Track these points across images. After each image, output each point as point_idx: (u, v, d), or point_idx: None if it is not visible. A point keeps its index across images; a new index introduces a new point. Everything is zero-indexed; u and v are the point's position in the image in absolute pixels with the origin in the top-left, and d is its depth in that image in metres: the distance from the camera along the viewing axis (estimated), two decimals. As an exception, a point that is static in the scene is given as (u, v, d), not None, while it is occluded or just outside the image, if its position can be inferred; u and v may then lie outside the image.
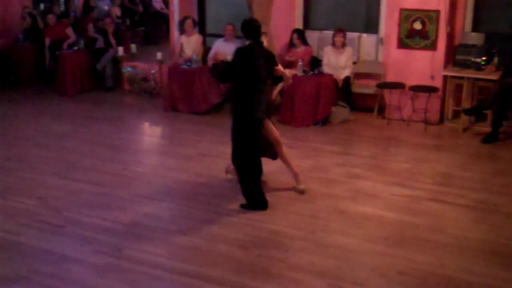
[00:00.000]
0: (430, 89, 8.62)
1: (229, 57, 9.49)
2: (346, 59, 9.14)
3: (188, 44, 9.97)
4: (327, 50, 9.24)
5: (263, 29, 6.01)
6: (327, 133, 8.44)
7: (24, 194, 6.28)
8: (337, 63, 9.12)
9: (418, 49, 8.77)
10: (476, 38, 8.65)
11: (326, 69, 9.08)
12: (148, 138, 8.98)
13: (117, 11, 13.54)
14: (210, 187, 6.44)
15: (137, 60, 11.06)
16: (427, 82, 8.73)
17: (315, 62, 9.23)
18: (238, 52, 5.79)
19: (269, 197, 6.02)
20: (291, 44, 9.40)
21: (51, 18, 11.57)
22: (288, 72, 6.13)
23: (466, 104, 8.47)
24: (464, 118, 8.47)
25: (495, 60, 8.43)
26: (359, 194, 6.24)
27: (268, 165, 6.41)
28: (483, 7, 8.98)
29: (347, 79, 9.07)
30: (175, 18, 10.90)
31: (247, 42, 5.85)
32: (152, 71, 10.66)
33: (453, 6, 8.70)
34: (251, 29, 5.76)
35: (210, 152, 7.57)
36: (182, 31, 10.21)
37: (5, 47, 11.69)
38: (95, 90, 11.15)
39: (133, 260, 4.86)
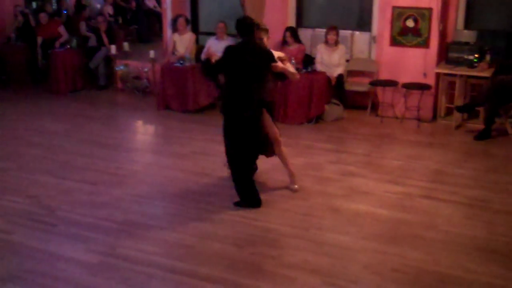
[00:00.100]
0: (422, 87, 8.65)
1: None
2: (339, 57, 9.15)
3: (181, 42, 9.97)
4: (320, 48, 9.25)
5: (264, 26, 5.98)
6: (320, 131, 8.45)
7: (17, 193, 6.25)
8: (330, 61, 9.13)
9: (411, 46, 8.79)
10: (468, 36, 8.68)
11: (319, 67, 9.09)
12: (141, 136, 8.97)
13: (109, 10, 13.52)
14: (204, 185, 6.44)
15: (129, 59, 11.06)
16: (419, 79, 8.76)
17: (308, 60, 9.24)
18: (226, 49, 5.81)
19: (263, 195, 6.02)
20: (284, 42, 9.40)
21: (43, 17, 11.55)
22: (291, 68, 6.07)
23: (458, 101, 8.50)
24: (456, 115, 8.50)
25: (488, 57, 8.46)
26: (352, 192, 6.24)
27: (263, 163, 6.42)
28: (475, 4, 9.01)
29: (340, 77, 9.08)
30: (167, 16, 10.90)
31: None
32: (145, 69, 10.65)
33: (445, 4, 8.73)
34: (243, 26, 5.74)
35: (204, 150, 7.56)
36: (174, 29, 10.21)
37: (-3, 46, 11.67)
38: (87, 89, 11.14)
39: (126, 259, 4.85)
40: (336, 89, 9.07)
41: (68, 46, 11.27)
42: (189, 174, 6.76)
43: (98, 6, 13.74)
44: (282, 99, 8.72)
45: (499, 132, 8.14)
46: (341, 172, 6.81)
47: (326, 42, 9.19)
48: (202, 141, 7.99)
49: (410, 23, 8.72)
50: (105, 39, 11.15)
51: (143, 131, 9.26)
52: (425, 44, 8.70)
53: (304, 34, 9.72)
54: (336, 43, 9.16)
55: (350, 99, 9.36)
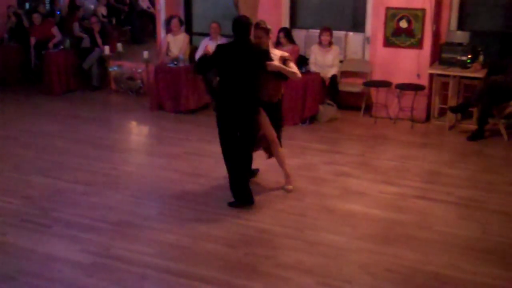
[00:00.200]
0: (416, 87, 8.67)
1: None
2: (333, 57, 9.17)
3: (175, 43, 9.96)
4: (313, 49, 9.26)
5: (264, 25, 5.96)
6: (314, 131, 8.46)
7: (11, 193, 6.23)
8: (324, 61, 9.14)
9: (404, 47, 8.81)
10: (461, 37, 8.70)
11: (313, 67, 9.10)
12: (135, 137, 8.95)
13: (103, 10, 13.49)
14: (198, 185, 6.43)
15: (123, 59, 11.03)
16: (413, 80, 8.78)
17: (302, 61, 9.23)
18: (218, 47, 5.85)
19: (257, 195, 6.03)
20: (277, 43, 9.38)
21: (36, 17, 11.51)
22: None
23: (452, 102, 8.52)
24: (450, 116, 8.52)
25: (481, 58, 8.49)
26: (346, 192, 6.25)
27: (256, 164, 6.42)
28: (468, 5, 9.04)
29: (334, 78, 9.09)
30: (161, 17, 10.89)
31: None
32: (139, 70, 10.63)
33: (438, 5, 8.76)
34: (237, 25, 5.73)
35: (197, 151, 7.55)
36: (168, 30, 10.20)
37: (-10, 47, 11.62)
38: (81, 90, 11.11)
39: (120, 259, 4.84)
40: (330, 89, 9.08)
41: (62, 47, 11.24)
42: (182, 175, 6.75)
43: (92, 6, 13.69)
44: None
45: (492, 133, 8.17)
46: (335, 172, 6.82)
47: (320, 43, 9.20)
48: (196, 141, 7.98)
49: (403, 24, 8.74)
50: (99, 40, 11.13)
51: (136, 131, 9.24)
52: (419, 45, 8.73)
53: (298, 35, 9.73)
54: (330, 44, 9.17)
55: (344, 99, 9.37)
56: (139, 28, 14.42)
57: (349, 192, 6.25)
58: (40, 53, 11.13)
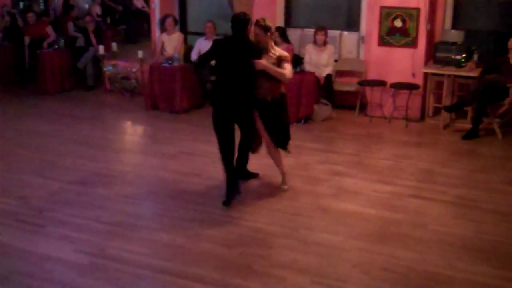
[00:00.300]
0: (411, 87, 8.68)
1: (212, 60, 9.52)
2: (328, 57, 9.17)
3: (169, 43, 9.95)
4: (308, 48, 9.26)
5: (263, 23, 5.96)
6: (309, 131, 8.46)
7: (5, 193, 6.21)
8: (319, 61, 9.14)
9: (399, 46, 8.82)
10: (456, 36, 8.73)
11: (307, 67, 9.10)
12: (130, 137, 8.94)
13: (97, 10, 13.45)
14: (193, 185, 6.43)
15: (118, 59, 11.01)
16: (408, 79, 8.79)
17: (296, 60, 9.23)
18: (214, 42, 6.01)
19: (252, 195, 6.06)
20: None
21: (31, 17, 11.48)
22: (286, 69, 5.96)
23: (446, 101, 8.54)
24: (444, 115, 8.54)
25: (475, 57, 8.51)
26: (341, 191, 6.26)
27: (251, 164, 6.42)
28: (462, 4, 9.07)
29: (328, 77, 9.10)
30: (156, 16, 10.87)
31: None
32: (133, 70, 10.61)
33: (433, 4, 8.77)
34: (235, 21, 5.82)
35: (192, 151, 7.55)
36: (163, 29, 10.19)
37: (-16, 47, 11.58)
38: (75, 89, 11.09)
39: (115, 259, 4.83)
40: (325, 89, 9.09)
41: (56, 46, 11.20)
42: (177, 175, 6.74)
43: (86, 6, 13.66)
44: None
45: (486, 132, 8.19)
46: (330, 172, 6.83)
47: (315, 42, 9.20)
48: (191, 141, 7.98)
49: (398, 23, 8.75)
50: (93, 39, 11.11)
51: (131, 131, 9.23)
52: (413, 44, 8.74)
53: (293, 34, 9.73)
54: (325, 43, 9.18)
55: (339, 99, 9.37)
56: (133, 28, 14.40)
57: (344, 192, 6.26)
58: (34, 52, 11.10)
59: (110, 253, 4.94)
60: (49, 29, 11.52)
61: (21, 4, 13.85)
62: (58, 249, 5.01)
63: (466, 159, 7.31)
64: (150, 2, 11.26)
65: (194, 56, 9.75)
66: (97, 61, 11.02)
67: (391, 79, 8.87)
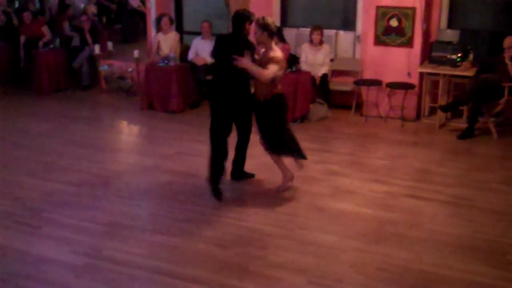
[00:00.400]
0: (406, 86, 8.69)
1: (208, 59, 9.54)
2: (324, 56, 9.17)
3: (165, 42, 9.94)
4: (304, 48, 9.26)
5: (262, 21, 5.95)
6: (305, 130, 8.45)
7: (1, 195, 6.20)
8: (315, 60, 9.14)
9: (395, 46, 8.82)
10: (451, 35, 8.74)
11: (303, 66, 9.10)
12: (126, 137, 8.93)
13: (93, 9, 13.41)
14: (189, 185, 6.42)
15: (114, 58, 10.99)
16: (403, 79, 8.80)
17: (292, 60, 9.24)
18: (216, 38, 6.32)
19: (248, 195, 6.08)
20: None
21: (27, 16, 11.44)
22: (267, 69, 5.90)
23: (442, 100, 8.55)
24: (440, 114, 8.55)
25: (471, 56, 8.52)
26: (337, 191, 6.26)
27: (247, 164, 6.43)
28: (458, 4, 9.08)
29: (324, 77, 9.10)
30: (152, 15, 10.86)
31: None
32: (129, 69, 10.59)
33: (428, 4, 8.77)
34: (235, 17, 5.98)
35: (188, 151, 7.54)
36: (159, 28, 10.18)
37: (-21, 46, 11.54)
38: (71, 89, 11.06)
39: (111, 260, 4.83)
40: (321, 88, 9.09)
41: (52, 46, 11.18)
42: (173, 175, 6.74)
43: (82, 5, 13.61)
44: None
45: (482, 131, 8.20)
46: (325, 171, 6.83)
47: (311, 41, 9.20)
48: (187, 141, 7.97)
49: (393, 23, 8.75)
50: (89, 39, 11.08)
51: (127, 131, 9.21)
52: (409, 43, 8.75)
53: (289, 33, 9.72)
54: (321, 42, 9.18)
55: (335, 98, 9.37)
56: (129, 27, 14.36)
57: (340, 191, 6.26)
58: (30, 52, 11.07)
59: (106, 254, 4.93)
60: (45, 29, 11.49)
61: (17, 3, 13.81)
62: (54, 250, 5.01)
63: (461, 158, 7.32)
64: (146, 1, 11.24)
65: (191, 55, 9.74)
66: (92, 60, 11.00)
67: (387, 78, 8.88)
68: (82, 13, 12.12)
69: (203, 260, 4.83)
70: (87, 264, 4.78)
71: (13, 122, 9.03)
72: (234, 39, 6.00)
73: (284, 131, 6.09)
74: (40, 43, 11.17)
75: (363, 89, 9.15)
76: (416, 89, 8.78)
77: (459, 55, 8.47)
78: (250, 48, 5.92)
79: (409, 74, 8.76)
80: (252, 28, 6.03)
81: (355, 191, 6.28)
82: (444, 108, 8.42)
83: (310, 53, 9.18)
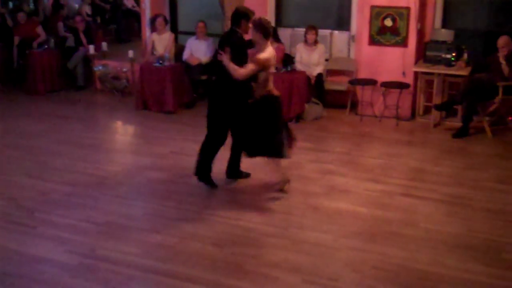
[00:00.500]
0: (401, 85, 8.71)
1: (203, 59, 9.53)
2: (319, 56, 9.18)
3: (160, 42, 9.92)
4: (299, 47, 9.26)
5: (257, 20, 5.96)
6: (300, 130, 8.42)
7: (-5, 195, 6.19)
8: (310, 60, 9.15)
9: (389, 45, 8.84)
10: (446, 35, 8.76)
11: (298, 66, 9.11)
12: (120, 137, 8.91)
13: (87, 9, 13.39)
14: (183, 185, 6.42)
15: (108, 59, 10.97)
16: (398, 78, 8.81)
17: (287, 60, 9.25)
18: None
19: (244, 194, 6.07)
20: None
21: (21, 16, 11.41)
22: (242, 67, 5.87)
23: (437, 99, 8.57)
24: (435, 113, 8.57)
25: (465, 56, 8.54)
26: (332, 190, 6.27)
27: (243, 163, 6.43)
28: (452, 4, 9.10)
29: (319, 76, 9.11)
30: (146, 16, 10.84)
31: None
32: (124, 70, 10.58)
33: (423, 3, 8.79)
34: (233, 15, 6.02)
35: (183, 150, 7.53)
36: (153, 29, 10.16)
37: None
38: (65, 89, 11.03)
39: (106, 260, 4.82)
40: (316, 88, 9.10)
41: (46, 46, 11.15)
42: (168, 175, 6.73)
43: (76, 5, 13.59)
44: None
45: (476, 130, 8.22)
46: (321, 170, 6.83)
47: (306, 41, 9.21)
48: (182, 141, 7.96)
49: (388, 22, 8.77)
50: (83, 39, 11.06)
51: (122, 131, 9.20)
52: (403, 43, 8.76)
53: (284, 33, 9.73)
54: (315, 42, 9.18)
55: (330, 98, 9.38)
56: (124, 27, 14.34)
57: (335, 190, 6.27)
58: (24, 52, 11.04)
59: (101, 254, 4.92)
60: (39, 29, 11.46)
61: (11, 4, 13.77)
62: (49, 250, 4.99)
63: (456, 157, 7.34)
64: (140, 1, 11.22)
65: (185, 55, 9.74)
66: (87, 61, 10.98)
67: (382, 78, 8.89)
68: (77, 14, 12.11)
69: (198, 260, 4.83)
70: (83, 264, 4.77)
71: (7, 122, 9.01)
72: (227, 36, 6.06)
73: (265, 133, 5.96)
74: (35, 44, 11.14)
75: (358, 89, 9.16)
76: (411, 88, 8.80)
77: (454, 54, 8.49)
78: (238, 45, 5.95)
79: (403, 73, 8.77)
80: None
81: (350, 190, 6.28)
82: (438, 107, 8.44)
83: (305, 53, 9.19)
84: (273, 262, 4.78)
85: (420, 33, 8.90)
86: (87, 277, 4.57)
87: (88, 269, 4.69)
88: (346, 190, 6.27)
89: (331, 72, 9.62)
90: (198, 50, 9.66)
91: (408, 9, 8.61)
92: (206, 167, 6.23)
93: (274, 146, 5.96)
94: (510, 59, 7.98)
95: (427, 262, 4.78)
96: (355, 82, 9.15)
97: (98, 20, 14.00)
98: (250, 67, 5.80)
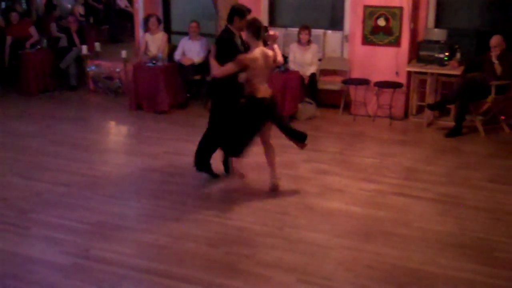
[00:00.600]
0: (394, 85, 8.73)
1: (196, 59, 9.52)
2: (312, 56, 9.19)
3: (153, 42, 9.91)
4: (292, 47, 9.27)
5: (249, 19, 5.97)
6: (293, 129, 8.46)
7: (-13, 195, 6.17)
8: (303, 60, 9.16)
9: (382, 45, 8.86)
10: (439, 34, 8.78)
11: (292, 66, 9.12)
12: (114, 137, 8.90)
13: (80, 9, 13.37)
14: (177, 185, 6.41)
15: (101, 59, 10.96)
16: (391, 78, 8.83)
17: (280, 59, 9.24)
18: None
19: (237, 194, 6.08)
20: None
21: (14, 16, 11.37)
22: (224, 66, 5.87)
23: (430, 99, 8.59)
24: (428, 113, 8.59)
25: (458, 55, 8.57)
26: (326, 190, 6.27)
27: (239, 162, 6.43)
28: (445, 3, 9.13)
29: (313, 76, 9.12)
30: (139, 16, 10.83)
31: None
32: (117, 70, 10.57)
33: (416, 3, 8.82)
34: (229, 11, 6.09)
35: (176, 150, 7.53)
36: (146, 29, 10.15)
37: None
38: (58, 90, 11.02)
39: (100, 260, 4.81)
40: (309, 88, 9.11)
41: (39, 47, 11.12)
42: (162, 175, 6.73)
43: (69, 6, 13.56)
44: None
45: (469, 129, 8.25)
46: (314, 170, 6.84)
47: (299, 41, 9.22)
48: (175, 141, 7.96)
49: (381, 22, 8.79)
50: (76, 39, 11.04)
51: (115, 131, 9.18)
52: (397, 42, 8.78)
53: (277, 33, 9.72)
54: (309, 42, 9.20)
55: (323, 97, 9.40)
56: (117, 27, 14.33)
57: (329, 190, 6.27)
58: (16, 52, 11.01)
59: (95, 254, 4.91)
60: (32, 30, 11.43)
61: (3, 4, 13.72)
62: (42, 250, 4.98)
63: (449, 156, 7.36)
64: (133, 1, 11.21)
65: (177, 56, 9.73)
66: (80, 61, 10.96)
67: (375, 77, 8.91)
68: (69, 14, 12.08)
69: (192, 259, 4.82)
70: (76, 264, 4.76)
71: (0, 123, 8.97)
72: (223, 33, 6.13)
73: (241, 135, 5.95)
74: (27, 44, 11.12)
75: (351, 88, 9.18)
76: (404, 88, 8.82)
77: (447, 54, 8.52)
78: (222, 42, 6.02)
79: (397, 73, 8.79)
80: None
81: (344, 189, 6.29)
82: (431, 107, 8.46)
83: (298, 53, 9.20)
84: (267, 261, 4.79)
85: (413, 32, 8.92)
86: (80, 278, 4.56)
87: (81, 269, 4.68)
88: (340, 190, 6.28)
89: (324, 72, 9.63)
90: (191, 50, 9.65)
91: (401, 9, 8.63)
92: (205, 157, 6.33)
93: (234, 146, 5.98)
94: (503, 59, 8.02)
95: (420, 261, 4.79)
96: (349, 81, 9.16)
97: (91, 20, 13.96)
98: (228, 66, 5.80)
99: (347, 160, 7.21)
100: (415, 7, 8.83)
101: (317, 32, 9.54)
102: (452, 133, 8.08)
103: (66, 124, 8.86)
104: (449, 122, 8.48)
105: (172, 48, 10.07)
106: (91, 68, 10.78)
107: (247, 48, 6.02)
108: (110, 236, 5.24)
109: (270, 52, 5.95)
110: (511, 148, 7.68)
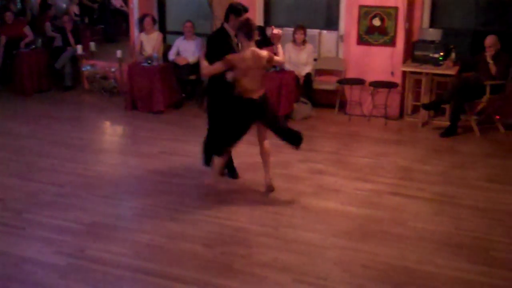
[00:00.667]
0: (389, 85, 8.73)
1: (191, 59, 9.51)
2: (307, 55, 9.20)
3: (148, 42, 9.90)
4: (288, 47, 9.27)
5: (243, 20, 5.95)
6: (289, 129, 8.46)
7: (-18, 196, 6.15)
8: (298, 59, 9.16)
9: (378, 45, 8.87)
10: (433, 34, 8.80)
11: (287, 66, 9.11)
12: (109, 137, 8.88)
13: (75, 9, 13.35)
14: (173, 185, 6.40)
15: (96, 59, 10.94)
16: (387, 77, 8.84)
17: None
18: None
19: (233, 194, 6.07)
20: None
21: (8, 16, 11.34)
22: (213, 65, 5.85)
23: (425, 99, 8.61)
24: (423, 112, 8.60)
25: (453, 55, 8.57)
26: (321, 190, 6.27)
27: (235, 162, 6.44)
28: (440, 3, 9.15)
29: (308, 76, 9.13)
30: (134, 15, 10.81)
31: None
32: (112, 69, 10.55)
33: (411, 3, 8.83)
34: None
35: (172, 150, 7.52)
36: (141, 28, 10.14)
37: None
38: (53, 90, 11.00)
39: (95, 260, 4.80)
40: (305, 87, 9.12)
41: (34, 46, 11.09)
42: (157, 175, 6.72)
43: (64, 5, 13.53)
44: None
45: (464, 129, 8.27)
46: (310, 170, 6.84)
47: (294, 41, 9.22)
48: (171, 141, 7.95)
49: (376, 22, 8.79)
50: (71, 39, 11.02)
51: (110, 131, 9.17)
52: (392, 42, 8.79)
53: (272, 33, 9.72)
54: (304, 42, 9.21)
55: (318, 97, 9.41)
56: (112, 27, 14.31)
57: (324, 190, 6.28)
58: (11, 52, 10.98)
59: (90, 254, 4.90)
60: (27, 29, 11.40)
61: (-3, 4, 13.69)
62: (38, 251, 4.96)
63: (444, 156, 7.37)
64: (128, 1, 11.20)
65: (171, 56, 9.72)
66: (75, 61, 10.93)
67: (370, 77, 8.92)
68: (64, 13, 12.04)
69: (188, 260, 4.82)
70: (71, 264, 4.75)
71: (-6, 123, 8.97)
72: (217, 32, 6.18)
73: (225, 134, 5.96)
74: (22, 44, 11.09)
75: (347, 88, 9.18)
76: (399, 87, 8.83)
77: (441, 54, 8.53)
78: (212, 40, 6.06)
79: (392, 73, 8.80)
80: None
81: (339, 189, 6.29)
82: (427, 107, 8.47)
83: (293, 53, 9.20)
84: (263, 261, 4.78)
85: (408, 32, 8.93)
86: (76, 278, 4.55)
87: (77, 269, 4.67)
88: (335, 190, 6.28)
89: (319, 72, 9.63)
90: (186, 50, 9.64)
91: (396, 8, 8.64)
92: (212, 153, 6.23)
93: (216, 144, 6.00)
94: (498, 59, 8.04)
95: (416, 260, 4.80)
96: (344, 81, 9.17)
97: (86, 20, 13.95)
98: (216, 65, 5.76)
99: (342, 160, 7.21)
100: (410, 7, 8.84)
101: (312, 32, 9.55)
102: (447, 132, 8.09)
103: (61, 124, 8.84)
104: (444, 122, 8.49)
105: (168, 48, 10.06)
106: (86, 68, 10.76)
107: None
108: (105, 236, 5.23)
109: (263, 53, 5.84)
110: (506, 148, 7.70)
